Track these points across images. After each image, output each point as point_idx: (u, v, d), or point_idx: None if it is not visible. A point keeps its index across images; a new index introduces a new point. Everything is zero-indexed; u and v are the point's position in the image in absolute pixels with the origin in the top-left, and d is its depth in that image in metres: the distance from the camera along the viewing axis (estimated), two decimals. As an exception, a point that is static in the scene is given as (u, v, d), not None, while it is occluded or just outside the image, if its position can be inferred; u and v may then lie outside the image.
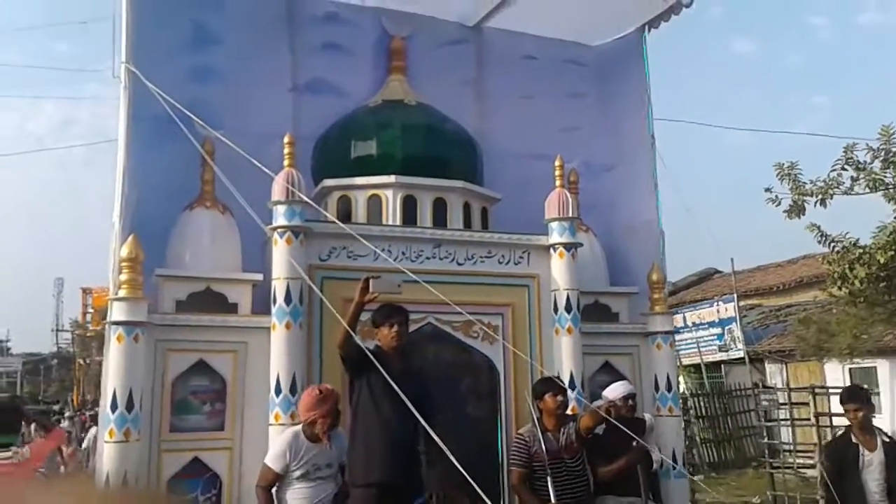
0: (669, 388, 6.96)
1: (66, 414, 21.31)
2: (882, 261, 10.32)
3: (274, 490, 4.87)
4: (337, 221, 5.71)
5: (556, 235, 6.56)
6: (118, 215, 5.83)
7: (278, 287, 5.72)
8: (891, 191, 10.24)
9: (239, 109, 6.63)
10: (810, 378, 15.46)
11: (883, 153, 10.43)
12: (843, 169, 10.33)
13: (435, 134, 6.99)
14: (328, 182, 6.69)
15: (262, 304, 6.08)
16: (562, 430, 5.61)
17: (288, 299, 5.70)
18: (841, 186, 10.40)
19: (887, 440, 5.20)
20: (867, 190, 10.52)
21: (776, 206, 10.05)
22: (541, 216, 6.74)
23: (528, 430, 5.62)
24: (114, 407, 5.33)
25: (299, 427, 4.99)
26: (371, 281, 4.73)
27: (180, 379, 5.77)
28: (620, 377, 6.64)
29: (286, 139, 5.96)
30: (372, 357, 4.57)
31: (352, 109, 7.29)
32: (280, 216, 5.81)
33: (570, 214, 6.58)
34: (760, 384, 15.98)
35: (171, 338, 5.74)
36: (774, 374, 16.49)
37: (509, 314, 6.47)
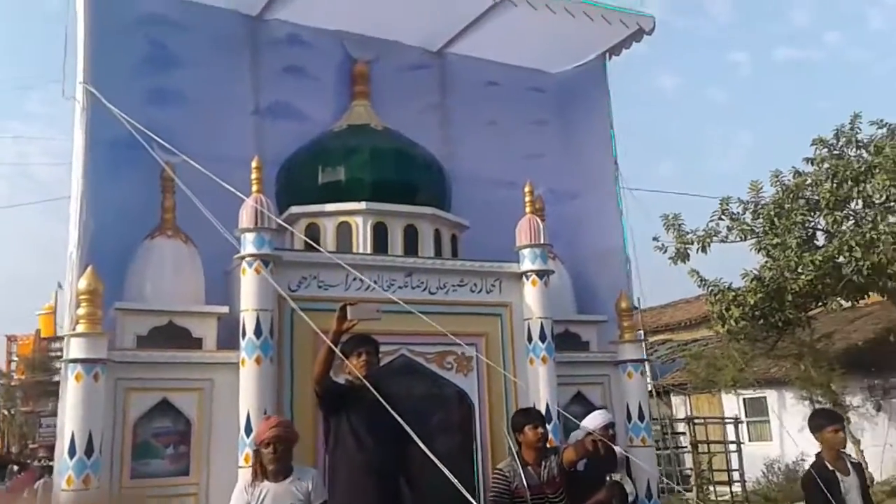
0: (642, 418, 6.90)
1: None
2: (752, 302, 11.73)
3: None
4: (321, 249, 5.53)
5: (528, 263, 6.45)
6: (75, 245, 5.47)
7: (247, 319, 5.44)
8: (759, 240, 11.83)
9: (199, 133, 6.34)
10: (710, 408, 16.38)
11: (752, 206, 12.26)
12: (720, 219, 12.21)
13: (404, 159, 6.84)
14: (295, 209, 6.44)
15: (226, 338, 5.80)
16: (543, 463, 5.44)
17: (258, 332, 5.42)
18: (718, 235, 12.20)
19: (854, 461, 5.24)
20: (739, 239, 12.22)
21: (663, 252, 10.81)
22: (506, 243, 6.64)
23: (508, 464, 5.44)
24: (72, 452, 4.95)
25: (249, 472, 4.74)
26: (349, 308, 4.50)
27: (142, 420, 5.42)
28: (593, 407, 6.53)
29: (254, 163, 5.71)
30: (367, 384, 4.37)
31: (315, 134, 7.08)
32: (249, 244, 5.54)
33: (542, 241, 6.49)
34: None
35: (132, 376, 5.39)
36: (679, 405, 17.16)
37: (483, 344, 6.32)
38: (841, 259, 11.12)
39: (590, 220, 7.82)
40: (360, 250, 6.39)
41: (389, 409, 4.10)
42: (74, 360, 5.10)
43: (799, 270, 11.43)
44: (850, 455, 5.38)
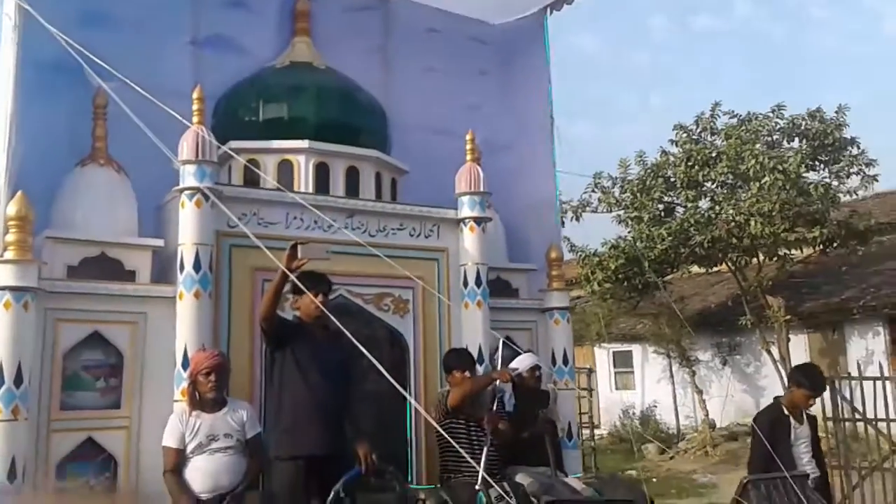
0: (566, 362, 7.15)
1: None
2: (613, 266, 13.89)
3: None
4: (277, 184, 5.53)
5: (467, 209, 6.53)
6: (3, 170, 5.21)
7: (186, 253, 5.32)
8: (620, 213, 14.41)
9: (133, 61, 6.00)
10: (583, 360, 18.12)
11: (620, 181, 14.62)
12: (593, 191, 14.66)
13: (348, 100, 6.75)
14: (234, 144, 6.29)
15: (157, 272, 5.70)
16: (473, 403, 5.65)
17: (197, 266, 5.30)
18: (590, 206, 14.58)
19: (811, 415, 5.35)
20: (606, 210, 14.64)
21: None
22: (441, 191, 6.69)
23: (442, 393, 5.65)
24: (0, 382, 4.78)
25: (184, 403, 4.82)
26: (300, 247, 4.51)
27: (72, 352, 5.25)
28: (519, 352, 6.74)
29: (195, 94, 5.54)
30: (338, 323, 4.40)
31: (254, 69, 6.92)
32: (189, 176, 5.40)
33: (481, 189, 6.58)
34: None
35: (63, 306, 5.20)
36: (558, 358, 19.22)
37: (419, 287, 6.38)
38: (691, 232, 13.12)
39: (523, 172, 7.92)
40: (302, 189, 6.33)
41: (361, 346, 4.12)
42: (3, 288, 4.89)
43: (654, 241, 13.44)
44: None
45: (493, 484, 4.48)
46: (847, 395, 7.19)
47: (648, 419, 17.22)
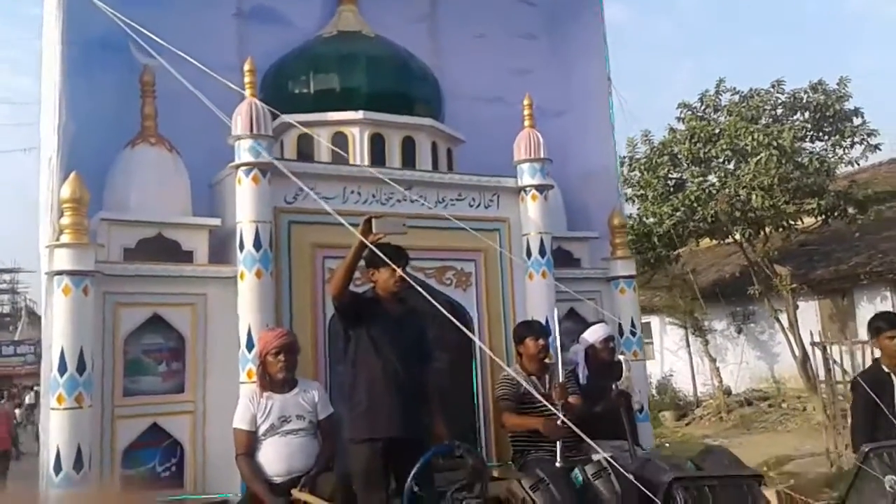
0: (634, 333, 6.89)
1: None
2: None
3: None
4: (340, 152, 5.26)
5: (528, 177, 6.26)
6: (54, 151, 5.04)
7: (246, 231, 5.13)
8: (627, 191, 14.70)
9: (178, 36, 5.80)
10: None
11: (628, 160, 15.25)
12: None
13: (401, 68, 6.50)
14: (287, 118, 6.09)
15: (213, 252, 5.51)
16: (545, 376, 5.40)
17: (257, 244, 5.11)
18: None
19: None
20: None
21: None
22: (493, 159, 6.43)
23: (515, 370, 5.38)
24: (62, 369, 4.63)
25: (254, 385, 4.59)
26: (374, 221, 4.24)
27: (132, 337, 5.10)
28: (585, 323, 6.48)
29: (247, 66, 5.34)
30: (424, 293, 4.15)
31: (299, 41, 6.68)
32: (244, 152, 5.19)
33: (542, 155, 6.30)
34: None
35: (121, 290, 5.05)
36: (574, 329, 19.85)
37: (482, 259, 6.15)
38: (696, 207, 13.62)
39: (579, 137, 7.59)
40: (357, 162, 6.10)
41: (458, 323, 3.93)
42: (61, 273, 4.74)
43: (662, 217, 14.09)
44: None
45: (601, 452, 4.19)
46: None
47: (666, 388, 17.57)
